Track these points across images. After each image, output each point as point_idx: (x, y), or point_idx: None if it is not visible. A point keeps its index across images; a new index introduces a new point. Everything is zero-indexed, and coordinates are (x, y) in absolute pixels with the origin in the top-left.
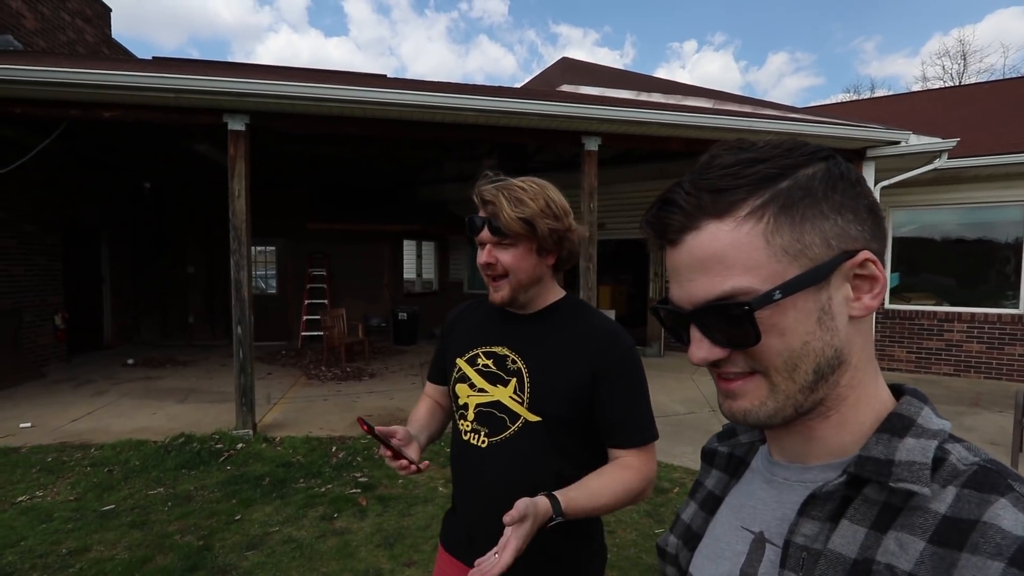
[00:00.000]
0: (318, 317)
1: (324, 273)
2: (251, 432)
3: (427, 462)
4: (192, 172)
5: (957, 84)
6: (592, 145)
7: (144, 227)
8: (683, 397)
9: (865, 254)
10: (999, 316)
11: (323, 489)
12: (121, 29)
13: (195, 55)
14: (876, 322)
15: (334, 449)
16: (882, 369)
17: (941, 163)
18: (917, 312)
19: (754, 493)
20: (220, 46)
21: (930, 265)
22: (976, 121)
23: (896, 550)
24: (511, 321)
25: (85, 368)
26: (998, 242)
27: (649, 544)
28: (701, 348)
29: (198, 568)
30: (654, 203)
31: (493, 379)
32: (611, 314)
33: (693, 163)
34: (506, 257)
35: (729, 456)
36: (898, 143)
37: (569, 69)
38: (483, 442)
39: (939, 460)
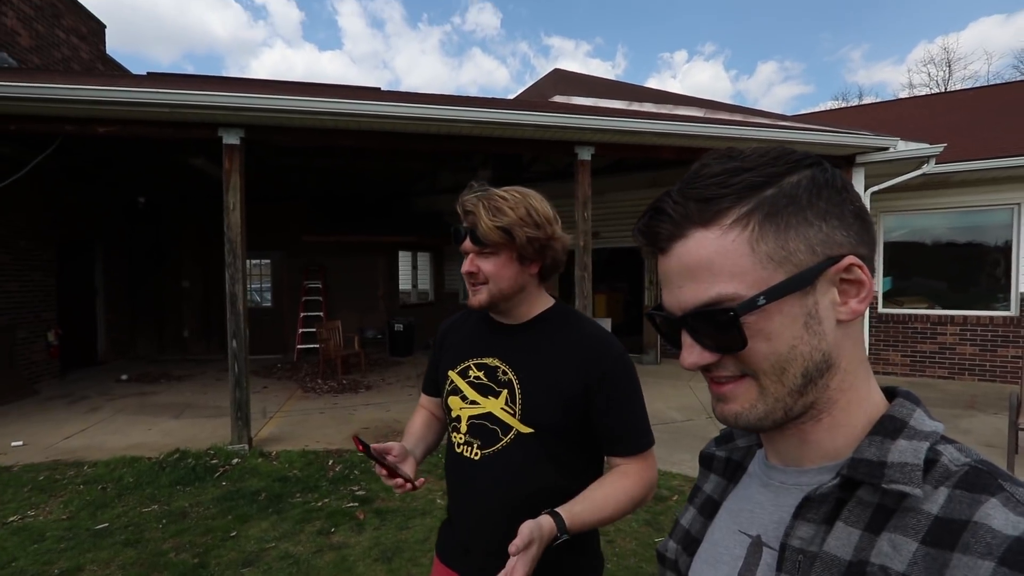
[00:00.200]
0: (314, 330)
1: (319, 285)
2: (247, 447)
3: (423, 479)
4: (187, 186)
5: (943, 91)
6: (585, 155)
7: (139, 241)
8: (680, 404)
9: (850, 259)
10: (991, 318)
11: (320, 503)
12: (116, 45)
13: (190, 70)
14: (870, 326)
15: (331, 463)
16: (877, 373)
17: (929, 168)
18: (910, 316)
19: (751, 497)
20: (215, 61)
21: (921, 269)
22: (963, 127)
23: (890, 551)
24: (501, 332)
25: (79, 384)
26: (988, 245)
27: (649, 553)
28: (692, 353)
29: None
30: (645, 212)
31: (484, 391)
32: (607, 322)
33: (685, 171)
34: (487, 266)
35: (727, 460)
36: (887, 149)
37: (561, 80)
38: (476, 454)
39: (931, 461)
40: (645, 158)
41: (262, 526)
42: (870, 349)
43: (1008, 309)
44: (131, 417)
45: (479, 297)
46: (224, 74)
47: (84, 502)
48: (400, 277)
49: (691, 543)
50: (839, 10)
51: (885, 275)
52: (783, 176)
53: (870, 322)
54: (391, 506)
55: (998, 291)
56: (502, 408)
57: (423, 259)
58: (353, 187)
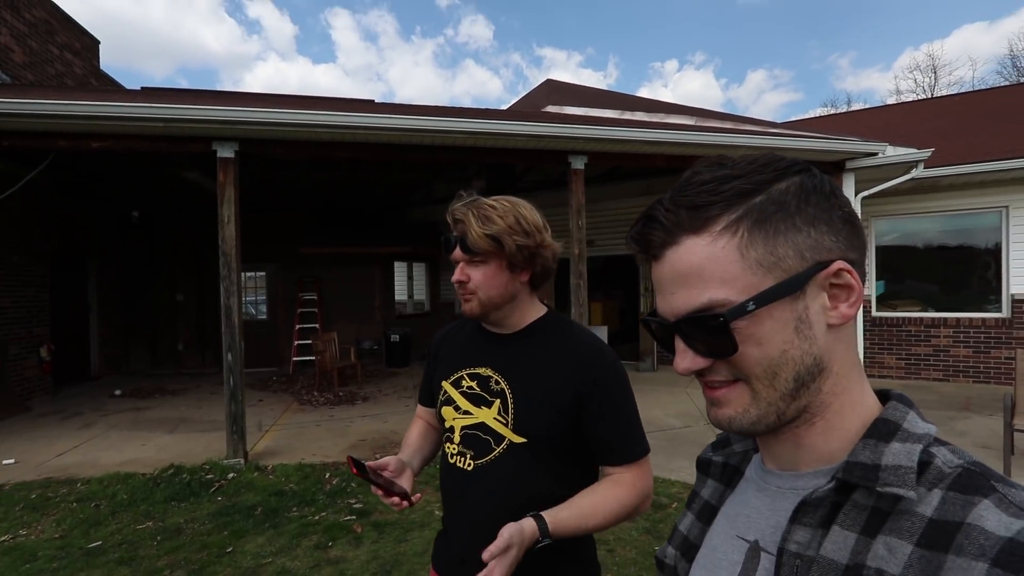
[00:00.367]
0: (309, 342)
1: (315, 297)
2: (242, 461)
3: (419, 495)
4: (181, 199)
5: (930, 96)
6: (578, 164)
7: (133, 255)
8: (678, 411)
9: (839, 264)
10: (983, 320)
11: (317, 517)
12: (110, 60)
13: (184, 84)
14: (864, 330)
15: (327, 476)
16: (872, 376)
17: (918, 173)
18: (904, 319)
19: (748, 502)
20: (209, 75)
21: (914, 272)
22: (950, 132)
23: (885, 554)
24: (494, 341)
25: (72, 400)
26: (978, 248)
27: (649, 562)
28: (685, 358)
29: None
30: (637, 220)
31: (477, 401)
32: (603, 330)
33: (678, 179)
34: (476, 274)
35: (724, 466)
36: (876, 154)
37: (554, 90)
38: (469, 465)
39: (925, 464)
40: (638, 166)
41: (258, 541)
42: (865, 352)
43: (1000, 311)
44: (125, 433)
45: (470, 306)
46: (218, 88)
47: (77, 520)
48: (396, 288)
49: (689, 549)
50: (826, 18)
51: (878, 279)
52: (772, 183)
53: (864, 326)
54: (389, 519)
55: (989, 293)
56: (495, 418)
57: (419, 269)
58: (348, 198)
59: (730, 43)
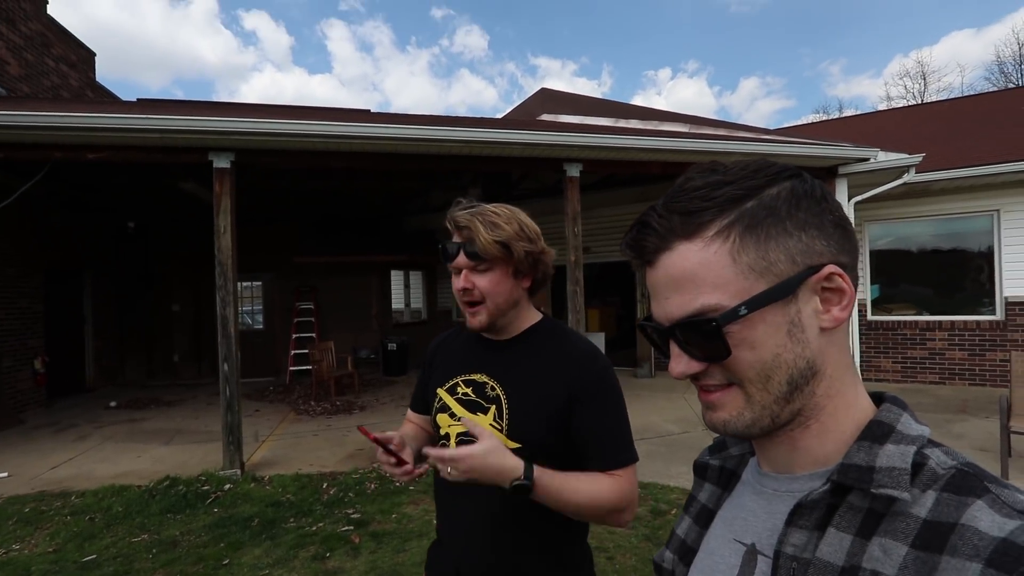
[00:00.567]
0: (306, 351)
1: (311, 306)
2: (239, 472)
3: (425, 466)
4: (177, 210)
5: (920, 102)
6: (573, 171)
7: (128, 266)
8: (676, 417)
9: (831, 268)
10: (978, 323)
11: (314, 528)
12: (106, 72)
13: (180, 96)
14: (860, 334)
15: (325, 486)
16: (869, 380)
17: (910, 177)
18: (899, 322)
19: (745, 505)
20: (205, 86)
21: (908, 276)
22: (940, 137)
23: (880, 556)
24: (489, 347)
25: (66, 412)
26: (971, 251)
27: (649, 569)
28: (679, 363)
29: None
30: (632, 226)
31: (473, 407)
32: (600, 336)
33: (672, 185)
34: (482, 282)
35: (720, 469)
36: (867, 160)
37: (549, 99)
38: None
39: (918, 465)
40: (633, 174)
41: (255, 553)
42: (861, 356)
43: (994, 313)
44: (120, 444)
45: (479, 319)
46: (214, 99)
47: (71, 534)
48: (393, 296)
49: (687, 553)
50: (817, 26)
51: (872, 283)
52: (763, 188)
53: (860, 330)
54: (387, 528)
55: (983, 296)
56: (491, 424)
57: (415, 278)
58: (344, 207)
59: (723, 51)
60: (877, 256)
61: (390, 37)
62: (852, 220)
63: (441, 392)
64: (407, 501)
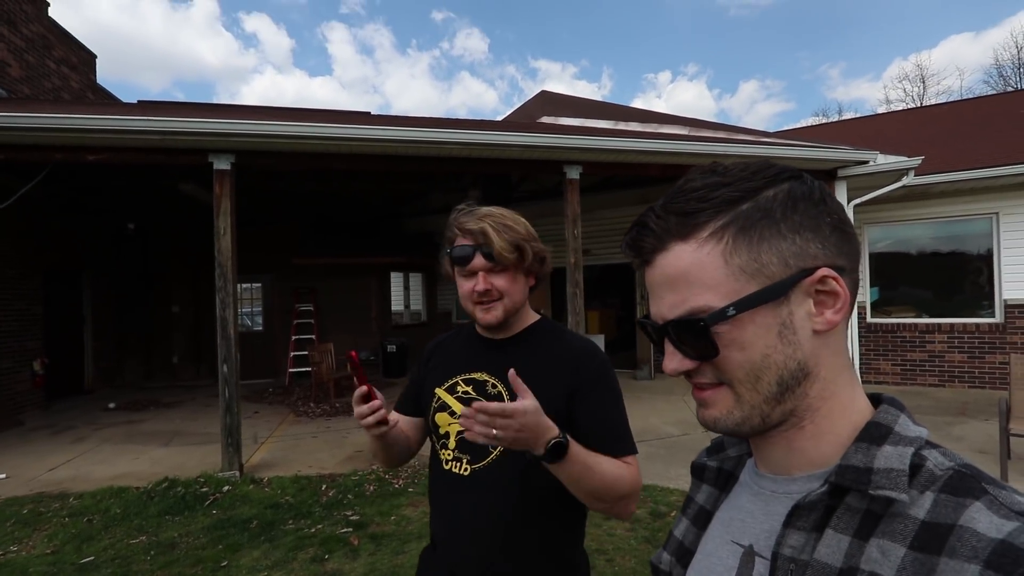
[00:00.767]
0: (305, 353)
1: (311, 308)
2: (238, 474)
3: (396, 417)
4: (177, 212)
5: (919, 105)
6: (573, 174)
7: (128, 267)
8: (676, 419)
9: (824, 271)
10: (977, 326)
11: (313, 530)
12: (106, 74)
13: (180, 98)
14: (860, 336)
15: (324, 488)
16: (869, 383)
17: (909, 180)
18: (899, 325)
19: (743, 506)
20: (205, 88)
21: (908, 279)
22: (940, 140)
23: (879, 557)
24: (490, 347)
25: (65, 414)
26: (970, 254)
27: (648, 571)
28: (673, 360)
29: None
30: (631, 227)
31: None
32: (600, 338)
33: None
34: (500, 282)
35: (718, 470)
36: (867, 162)
37: (548, 102)
38: (466, 470)
39: (916, 466)
40: (633, 176)
41: (254, 555)
42: (860, 359)
43: (993, 316)
44: (118, 446)
45: (494, 313)
46: (215, 100)
47: (69, 535)
48: (392, 298)
49: (685, 554)
50: (817, 30)
51: (872, 286)
52: (760, 190)
53: (859, 332)
54: (386, 530)
55: (983, 298)
56: None
57: (415, 279)
58: (344, 209)
59: (722, 54)
60: (877, 259)
61: (391, 40)
62: (852, 223)
63: (440, 391)
64: (406, 503)
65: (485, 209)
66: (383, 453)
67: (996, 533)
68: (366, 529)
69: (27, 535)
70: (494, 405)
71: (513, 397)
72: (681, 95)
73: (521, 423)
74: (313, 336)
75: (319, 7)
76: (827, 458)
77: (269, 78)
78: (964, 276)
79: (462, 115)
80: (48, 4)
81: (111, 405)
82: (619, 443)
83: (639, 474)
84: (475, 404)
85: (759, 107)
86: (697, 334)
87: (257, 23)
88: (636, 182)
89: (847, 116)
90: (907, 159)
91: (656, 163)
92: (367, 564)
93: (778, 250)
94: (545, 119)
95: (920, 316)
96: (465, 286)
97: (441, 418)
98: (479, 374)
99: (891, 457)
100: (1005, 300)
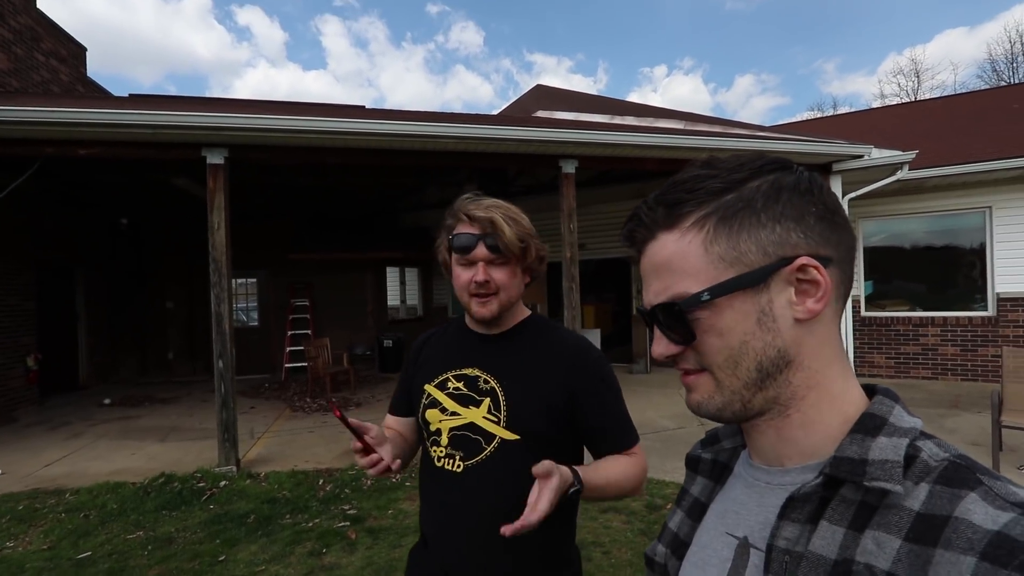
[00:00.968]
0: (301, 348)
1: (307, 303)
2: (234, 469)
3: (399, 462)
4: (170, 206)
5: (913, 100)
6: (569, 168)
7: (121, 263)
8: (672, 412)
9: (804, 260)
10: (970, 319)
11: (310, 524)
12: (97, 67)
13: (172, 91)
14: (854, 329)
15: (321, 482)
16: (863, 375)
17: (903, 174)
18: (892, 318)
19: (737, 498)
20: (198, 81)
21: (902, 272)
22: (934, 134)
23: (874, 549)
24: (481, 341)
25: (59, 410)
26: (963, 248)
27: (644, 563)
28: (659, 345)
29: None
30: (627, 219)
31: (465, 401)
32: (596, 333)
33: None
34: (499, 275)
35: (713, 462)
36: (862, 156)
37: (544, 95)
38: (458, 467)
39: (911, 457)
40: (629, 170)
41: (251, 549)
42: (855, 352)
43: (986, 309)
44: (114, 442)
45: (490, 307)
46: (207, 94)
47: (66, 531)
48: (388, 293)
49: (679, 546)
50: (812, 24)
51: (866, 279)
52: (745, 181)
53: (853, 325)
54: (383, 524)
55: (975, 292)
56: (484, 417)
57: (411, 274)
58: (339, 204)
59: (718, 48)
60: (871, 252)
61: (385, 33)
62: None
63: (430, 388)
64: (403, 497)
65: (493, 200)
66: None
67: (992, 524)
68: (363, 523)
69: (23, 531)
70: (536, 515)
71: (506, 389)
72: (677, 89)
73: (557, 496)
74: (309, 331)
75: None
76: (820, 449)
77: (262, 72)
78: (957, 270)
79: (457, 109)
80: None
81: (106, 401)
82: (625, 437)
83: (644, 458)
84: (510, 528)
85: (754, 101)
86: (676, 318)
87: (250, 16)
88: (632, 176)
89: (842, 111)
90: (901, 153)
91: (652, 157)
92: (364, 558)
93: (757, 239)
94: (541, 113)
95: (914, 309)
96: (463, 276)
97: (432, 415)
98: (471, 370)
99: (886, 448)
100: (998, 294)
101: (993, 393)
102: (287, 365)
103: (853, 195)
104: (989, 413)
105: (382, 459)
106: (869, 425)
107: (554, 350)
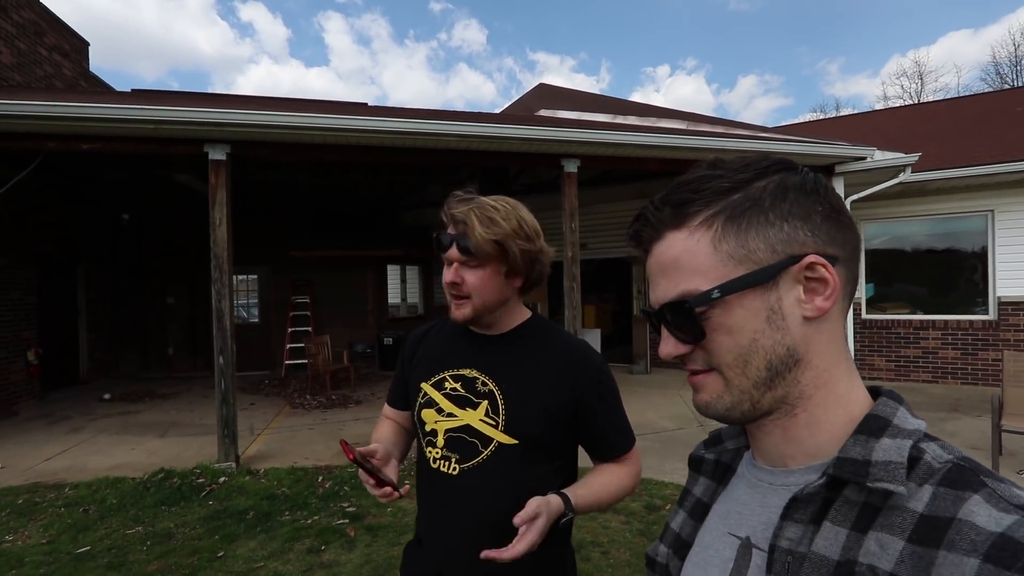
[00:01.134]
0: (302, 345)
1: (307, 300)
2: (234, 465)
3: (407, 486)
4: (172, 202)
5: (916, 102)
6: (571, 167)
7: (123, 258)
8: (671, 413)
9: (812, 258)
10: (971, 323)
11: (309, 521)
12: (100, 62)
13: (175, 87)
14: (855, 332)
15: (320, 479)
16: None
17: (906, 177)
18: (893, 321)
19: (740, 498)
20: (200, 77)
21: (903, 275)
22: (937, 137)
23: (877, 550)
24: (479, 343)
25: (60, 405)
26: (965, 251)
27: (643, 564)
28: (667, 344)
29: None
30: (633, 219)
31: (462, 403)
32: (596, 333)
33: (670, 182)
34: (472, 277)
35: (716, 463)
36: (864, 159)
37: (547, 94)
38: (454, 469)
39: (915, 459)
40: (631, 170)
41: (250, 545)
42: (855, 355)
43: (987, 313)
44: (114, 437)
45: (463, 311)
46: (210, 90)
47: (65, 525)
48: (389, 291)
49: (681, 547)
50: (815, 25)
51: (867, 282)
52: (752, 181)
53: (854, 328)
54: (382, 522)
55: (976, 295)
56: (481, 420)
57: (412, 272)
58: (341, 202)
59: (721, 49)
60: (872, 255)
61: (388, 30)
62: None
63: (426, 387)
64: None
65: (484, 198)
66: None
67: (995, 527)
68: (362, 520)
69: (22, 525)
70: (519, 548)
71: (505, 393)
72: (679, 89)
73: (542, 535)
74: (309, 328)
75: None
76: (824, 449)
77: (265, 68)
78: (959, 273)
79: (460, 107)
80: None
81: (106, 396)
82: (622, 441)
83: (639, 461)
84: (489, 554)
85: (757, 102)
86: (685, 316)
87: (253, 12)
88: (634, 176)
89: (845, 112)
90: (904, 156)
91: (654, 157)
92: (363, 555)
93: (765, 237)
94: (543, 112)
95: (914, 312)
96: (445, 275)
97: (428, 415)
98: (468, 371)
99: (889, 450)
100: (999, 297)
101: (994, 397)
102: (287, 362)
103: (855, 197)
104: (989, 417)
105: (392, 491)
106: (873, 426)
107: (555, 354)
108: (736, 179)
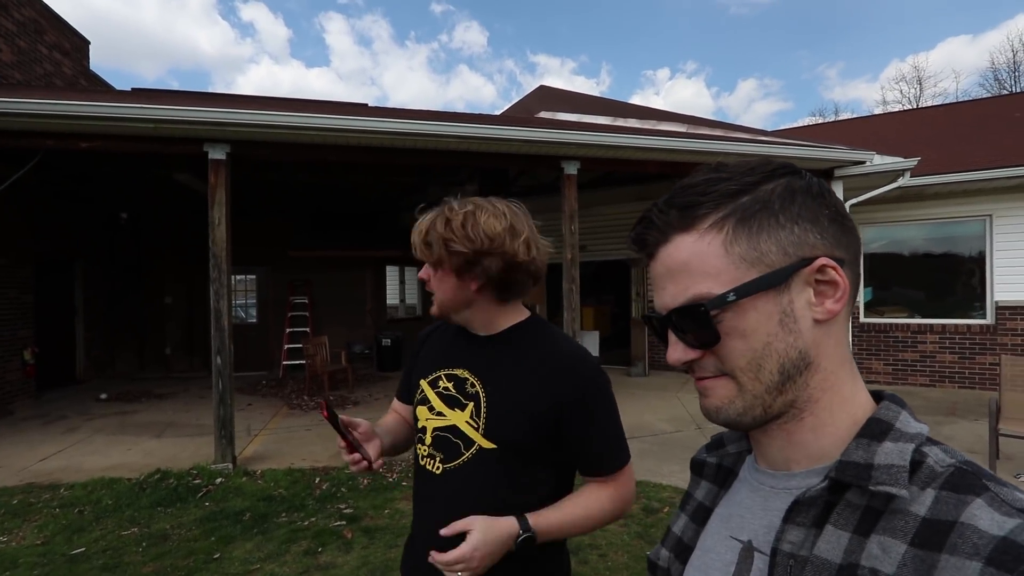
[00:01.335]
0: (300, 345)
1: (306, 301)
2: (231, 466)
3: (381, 461)
4: (171, 202)
5: (915, 107)
6: (571, 169)
7: (120, 257)
8: (669, 416)
9: (823, 260)
10: (968, 327)
11: (306, 523)
12: (100, 61)
13: (175, 86)
14: (853, 335)
15: (317, 480)
16: None
17: (904, 181)
18: (891, 325)
19: (742, 502)
20: (201, 77)
21: (901, 279)
22: (935, 141)
23: (879, 554)
24: (472, 343)
25: (56, 404)
26: (963, 255)
27: (641, 567)
28: (676, 350)
29: None
30: (636, 223)
31: (451, 402)
32: (595, 335)
33: (671, 185)
34: (432, 278)
35: (718, 467)
36: (863, 163)
37: (547, 97)
38: (438, 468)
39: (917, 463)
40: (631, 172)
41: (246, 547)
42: (854, 358)
43: (984, 317)
44: (110, 437)
45: (433, 308)
46: (210, 90)
47: (60, 526)
48: (388, 292)
49: (683, 550)
50: (815, 29)
51: (866, 286)
52: (759, 184)
53: (852, 331)
54: (380, 524)
55: (974, 300)
56: (466, 421)
57: (411, 273)
58: (340, 202)
59: (721, 52)
60: (871, 259)
61: (389, 31)
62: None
63: (423, 384)
64: (400, 497)
65: (453, 202)
66: (391, 451)
67: (998, 530)
68: (359, 522)
69: (17, 526)
70: (449, 556)
71: (489, 395)
72: (679, 92)
73: (481, 555)
74: (307, 329)
75: None
76: (827, 452)
77: (265, 68)
78: (957, 277)
79: (460, 109)
80: None
81: (103, 396)
82: (612, 458)
83: (632, 480)
84: (433, 557)
85: (757, 106)
86: (698, 320)
87: (254, 12)
88: (633, 179)
89: (844, 116)
90: (903, 160)
91: (654, 160)
92: (360, 557)
93: (777, 239)
94: (543, 114)
95: (912, 316)
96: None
97: (421, 412)
98: (460, 371)
99: (892, 453)
100: (996, 302)
101: (991, 401)
102: (285, 362)
103: (854, 201)
104: (986, 421)
105: (363, 459)
106: (875, 430)
107: (544, 358)
108: (743, 182)
